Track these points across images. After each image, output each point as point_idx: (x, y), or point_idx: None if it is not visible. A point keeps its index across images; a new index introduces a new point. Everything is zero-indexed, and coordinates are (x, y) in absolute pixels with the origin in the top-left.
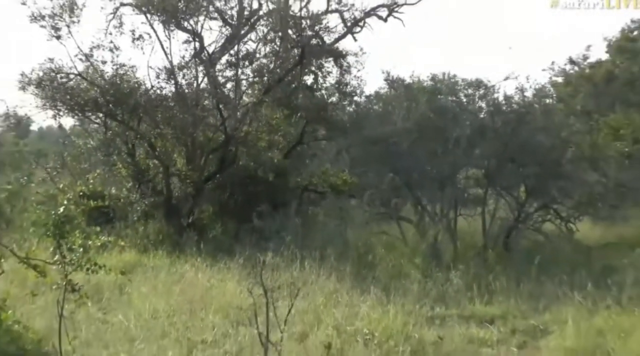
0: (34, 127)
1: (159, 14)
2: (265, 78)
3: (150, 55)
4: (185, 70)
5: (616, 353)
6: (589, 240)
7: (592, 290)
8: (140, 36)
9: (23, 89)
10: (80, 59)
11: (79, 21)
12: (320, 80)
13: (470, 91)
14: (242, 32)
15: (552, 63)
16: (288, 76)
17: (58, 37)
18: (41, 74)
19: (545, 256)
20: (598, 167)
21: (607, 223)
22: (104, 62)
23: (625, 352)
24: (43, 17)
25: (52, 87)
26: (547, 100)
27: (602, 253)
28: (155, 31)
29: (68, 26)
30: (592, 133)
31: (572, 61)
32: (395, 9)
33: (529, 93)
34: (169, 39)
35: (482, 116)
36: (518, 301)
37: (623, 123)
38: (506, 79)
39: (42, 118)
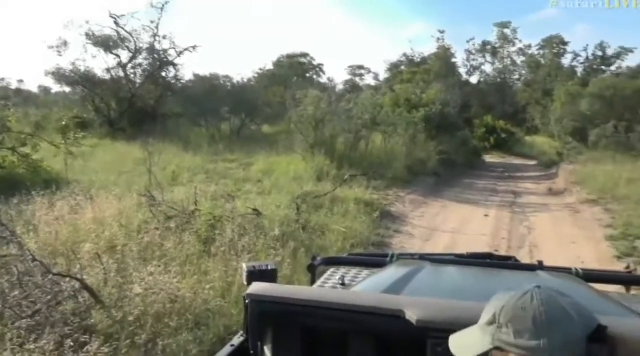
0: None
1: (102, 46)
2: (147, 73)
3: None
4: (115, 69)
5: (278, 172)
6: (267, 132)
7: (268, 150)
8: (94, 56)
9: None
10: (71, 64)
11: (67, 49)
12: (168, 74)
13: (223, 80)
14: (137, 55)
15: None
16: (155, 72)
17: (60, 54)
18: (53, 70)
19: (252, 139)
20: (270, 107)
21: (274, 125)
22: (79, 66)
23: (280, 171)
24: (52, 47)
25: (58, 74)
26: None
27: (272, 137)
28: (100, 53)
29: (63, 49)
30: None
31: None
32: (191, 49)
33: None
34: (107, 56)
35: (228, 90)
36: (242, 154)
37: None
38: (227, 77)
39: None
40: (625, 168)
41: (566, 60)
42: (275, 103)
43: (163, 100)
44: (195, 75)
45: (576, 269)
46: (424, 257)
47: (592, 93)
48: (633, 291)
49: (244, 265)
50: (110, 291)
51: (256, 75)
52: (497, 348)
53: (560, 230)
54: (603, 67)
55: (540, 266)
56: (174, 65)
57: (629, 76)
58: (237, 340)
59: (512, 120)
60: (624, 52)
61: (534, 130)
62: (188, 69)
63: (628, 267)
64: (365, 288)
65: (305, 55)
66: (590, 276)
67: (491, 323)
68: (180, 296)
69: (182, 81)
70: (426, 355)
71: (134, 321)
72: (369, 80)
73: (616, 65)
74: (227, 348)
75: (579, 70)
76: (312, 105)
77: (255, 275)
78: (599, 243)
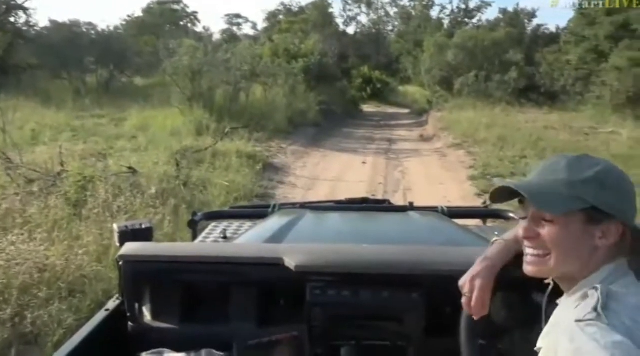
0: None
1: None
2: None
3: None
4: None
5: (154, 127)
6: (139, 84)
7: (141, 104)
8: None
9: None
10: None
11: None
12: (17, 20)
13: (85, 27)
14: None
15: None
16: (1, 17)
17: None
18: None
19: (123, 93)
20: (142, 57)
21: (147, 77)
22: None
23: (157, 126)
24: None
25: None
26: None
27: (146, 90)
28: None
29: None
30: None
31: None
32: None
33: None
34: None
35: (92, 38)
36: (113, 108)
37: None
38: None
39: None
40: (484, 114)
41: (434, 12)
42: (147, 53)
43: (14, 50)
44: (52, 22)
45: (442, 207)
46: (304, 206)
47: (457, 45)
48: (489, 224)
49: (115, 226)
50: None
51: (124, 23)
52: (593, 208)
53: (430, 173)
54: (466, 20)
55: (411, 207)
56: (24, 9)
57: (487, 29)
58: (112, 303)
59: (387, 71)
60: (483, 5)
61: (407, 80)
62: (42, 14)
63: (485, 203)
64: (247, 239)
65: (177, 1)
66: (454, 213)
67: (589, 181)
68: (49, 264)
69: (35, 28)
70: (306, 299)
71: None
72: (247, 29)
73: (477, 18)
74: (102, 314)
75: (446, 22)
76: (187, 55)
77: (128, 235)
78: (462, 183)
